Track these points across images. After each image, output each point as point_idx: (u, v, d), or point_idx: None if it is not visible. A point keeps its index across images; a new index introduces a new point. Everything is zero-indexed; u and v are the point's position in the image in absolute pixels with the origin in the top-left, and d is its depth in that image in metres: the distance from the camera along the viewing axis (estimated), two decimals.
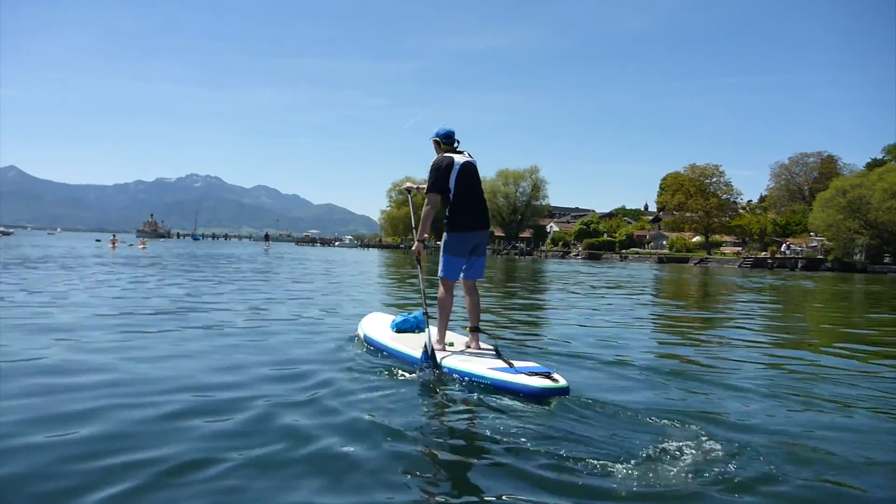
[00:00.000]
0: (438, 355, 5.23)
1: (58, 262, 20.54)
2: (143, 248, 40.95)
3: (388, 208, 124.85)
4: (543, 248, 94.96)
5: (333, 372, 5.17)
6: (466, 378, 4.83)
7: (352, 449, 3.44)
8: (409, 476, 3.17)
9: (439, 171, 5.52)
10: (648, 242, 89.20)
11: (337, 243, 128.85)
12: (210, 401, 4.30)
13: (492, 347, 5.37)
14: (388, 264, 34.28)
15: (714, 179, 78.47)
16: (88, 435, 3.51)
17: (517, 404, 4.35)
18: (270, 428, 3.76)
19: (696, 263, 62.20)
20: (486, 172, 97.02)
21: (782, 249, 62.79)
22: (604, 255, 77.09)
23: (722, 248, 76.86)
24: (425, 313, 5.87)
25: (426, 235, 5.65)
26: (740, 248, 73.69)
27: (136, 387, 4.56)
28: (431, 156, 5.81)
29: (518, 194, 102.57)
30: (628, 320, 10.58)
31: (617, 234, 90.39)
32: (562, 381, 4.56)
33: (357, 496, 2.92)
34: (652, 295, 18.21)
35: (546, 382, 4.51)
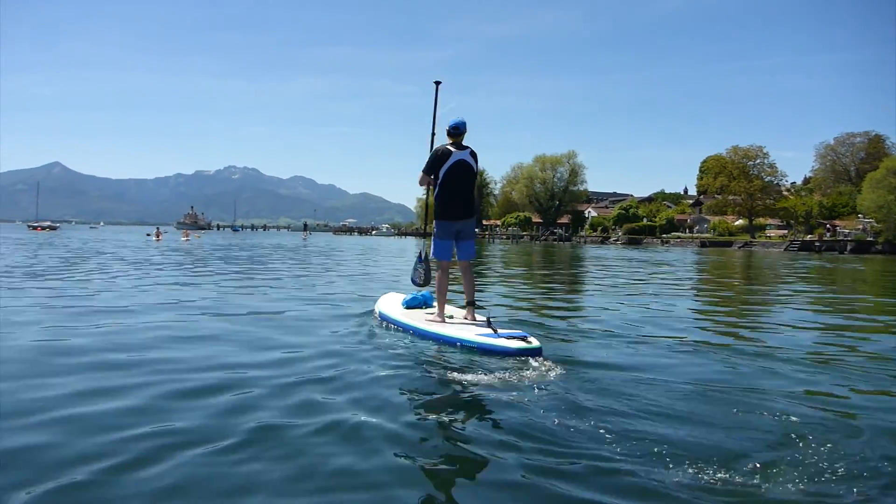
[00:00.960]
0: (438, 327, 6.12)
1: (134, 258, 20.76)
2: (186, 239, 41.44)
3: (424, 196, 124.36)
4: (582, 233, 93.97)
5: (349, 343, 5.94)
6: (459, 343, 5.69)
7: (351, 401, 3.98)
8: (402, 436, 3.42)
9: (434, 159, 6.39)
10: (690, 227, 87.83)
11: (374, 232, 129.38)
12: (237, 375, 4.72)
13: (485, 318, 6.10)
14: None
15: (758, 161, 76.80)
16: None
17: (500, 363, 5.04)
18: (290, 383, 4.40)
19: (740, 247, 61.06)
20: (523, 158, 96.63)
21: (826, 231, 61.23)
22: (644, 240, 76.13)
23: (766, 232, 75.35)
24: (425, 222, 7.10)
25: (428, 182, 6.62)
26: (785, 232, 72.06)
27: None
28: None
29: (556, 179, 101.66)
30: (669, 302, 10.33)
31: (657, 219, 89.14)
32: (535, 343, 5.40)
33: (354, 448, 3.21)
34: (698, 278, 17.80)
35: (521, 344, 5.36)
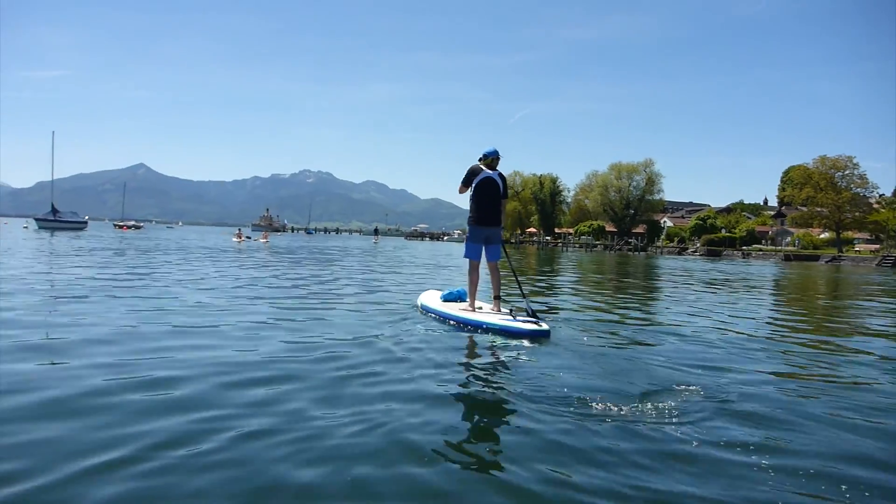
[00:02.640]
0: (470, 314, 7.48)
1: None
2: (266, 241, 42.03)
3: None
4: (658, 243, 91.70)
5: (398, 324, 7.43)
6: (485, 326, 7.03)
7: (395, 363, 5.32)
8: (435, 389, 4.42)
9: (469, 175, 7.90)
10: (771, 239, 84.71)
11: (446, 237, 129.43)
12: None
13: (508, 310, 7.48)
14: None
15: (846, 172, 73.19)
16: None
17: (521, 345, 6.24)
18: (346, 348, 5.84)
19: (827, 261, 58.37)
20: (598, 166, 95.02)
21: None
22: (724, 252, 73.72)
23: (854, 246, 71.94)
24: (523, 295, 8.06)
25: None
26: (876, 246, 68.52)
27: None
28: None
29: (631, 188, 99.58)
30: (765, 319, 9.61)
31: (737, 230, 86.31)
32: (544, 327, 6.72)
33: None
34: (796, 295, 16.85)
35: (533, 327, 6.67)
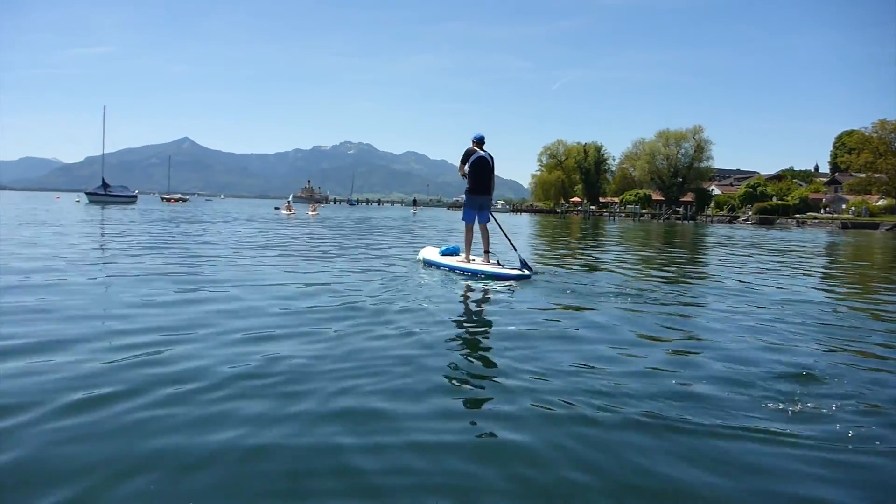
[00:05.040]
0: (465, 264, 9.51)
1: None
2: (314, 213, 41.78)
3: (539, 172, 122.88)
4: (708, 212, 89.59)
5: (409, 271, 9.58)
6: (480, 273, 8.90)
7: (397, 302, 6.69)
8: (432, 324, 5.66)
9: (466, 155, 9.92)
10: (825, 206, 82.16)
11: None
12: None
13: (496, 262, 9.53)
14: (543, 230, 33.13)
15: None
16: None
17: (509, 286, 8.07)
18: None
19: (887, 229, 56.30)
20: (642, 134, 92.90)
21: None
22: (777, 220, 71.72)
23: None
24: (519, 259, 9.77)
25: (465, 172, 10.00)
26: None
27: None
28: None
29: (679, 155, 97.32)
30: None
31: (789, 198, 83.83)
32: (526, 272, 8.76)
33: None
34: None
35: (517, 272, 8.68)
